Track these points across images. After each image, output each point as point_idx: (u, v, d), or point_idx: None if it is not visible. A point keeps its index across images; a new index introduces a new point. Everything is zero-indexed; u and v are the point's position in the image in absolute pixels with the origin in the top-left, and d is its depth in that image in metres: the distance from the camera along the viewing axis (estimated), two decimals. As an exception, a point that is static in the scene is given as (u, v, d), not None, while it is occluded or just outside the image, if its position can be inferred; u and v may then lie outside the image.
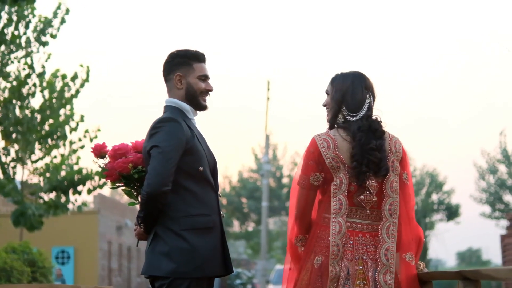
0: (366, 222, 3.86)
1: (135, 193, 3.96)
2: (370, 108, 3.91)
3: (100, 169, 3.98)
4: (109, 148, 3.99)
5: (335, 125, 3.93)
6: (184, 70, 3.98)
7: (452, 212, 40.90)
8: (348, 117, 3.89)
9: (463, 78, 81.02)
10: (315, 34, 77.39)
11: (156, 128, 3.82)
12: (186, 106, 3.98)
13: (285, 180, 44.02)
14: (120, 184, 3.93)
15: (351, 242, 3.80)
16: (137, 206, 3.93)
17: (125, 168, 3.85)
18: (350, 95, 3.89)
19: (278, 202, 43.02)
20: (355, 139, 3.83)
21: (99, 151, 3.97)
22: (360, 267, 3.79)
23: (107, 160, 3.98)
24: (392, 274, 3.80)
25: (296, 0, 77.94)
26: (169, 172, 3.74)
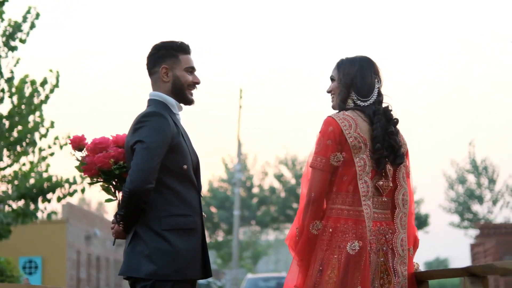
0: (380, 211, 3.71)
1: (113, 190, 3.79)
2: (380, 94, 3.80)
3: (78, 163, 3.80)
4: (88, 141, 3.82)
5: (346, 109, 3.76)
6: (171, 63, 3.84)
7: (421, 222, 41.20)
8: (358, 101, 3.76)
9: (456, 79, 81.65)
10: (296, 40, 77.53)
11: (142, 122, 3.67)
12: (171, 101, 3.83)
13: (255, 190, 43.90)
14: (99, 180, 3.77)
15: (374, 233, 3.65)
16: (109, 209, 3.76)
17: (106, 163, 3.69)
18: (359, 79, 3.76)
19: (249, 212, 42.90)
20: (373, 122, 3.71)
21: (77, 144, 3.80)
22: (382, 259, 3.65)
23: (85, 153, 3.80)
24: (406, 266, 3.69)
25: (271, 7, 78.17)
26: (153, 169, 3.59)
